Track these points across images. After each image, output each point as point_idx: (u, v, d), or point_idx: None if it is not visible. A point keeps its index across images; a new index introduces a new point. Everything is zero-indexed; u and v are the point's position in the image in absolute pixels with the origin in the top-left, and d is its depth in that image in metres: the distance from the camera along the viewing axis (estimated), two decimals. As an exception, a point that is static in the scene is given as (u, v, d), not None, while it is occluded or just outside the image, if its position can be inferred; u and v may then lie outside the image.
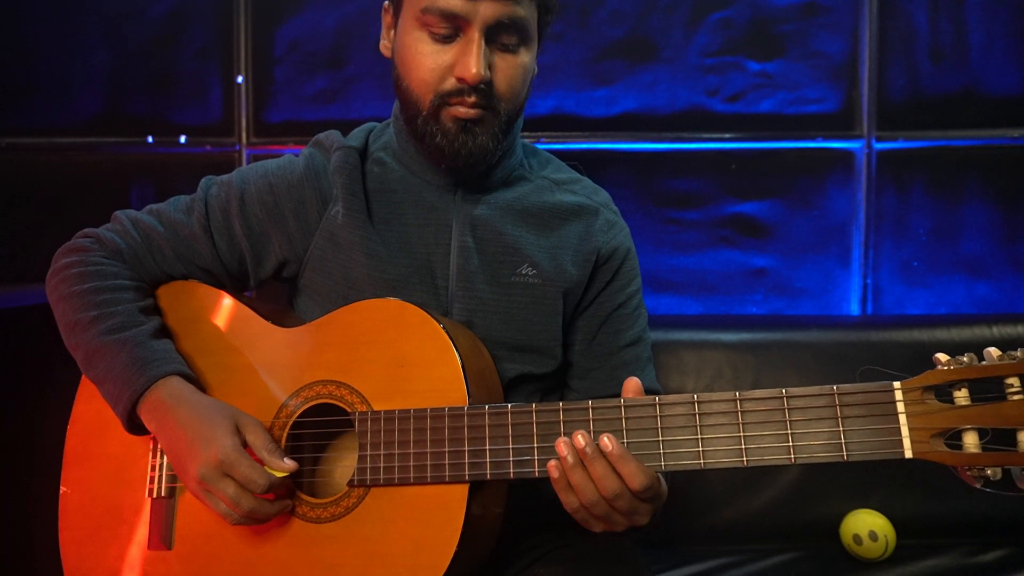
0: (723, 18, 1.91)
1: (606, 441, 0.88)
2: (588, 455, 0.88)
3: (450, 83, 1.01)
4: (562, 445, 0.89)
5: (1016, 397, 0.77)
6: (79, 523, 1.08)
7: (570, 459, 0.88)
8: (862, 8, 1.89)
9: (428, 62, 1.01)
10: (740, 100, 1.92)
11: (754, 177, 1.94)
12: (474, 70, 0.98)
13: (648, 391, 1.16)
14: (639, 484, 0.88)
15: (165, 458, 1.06)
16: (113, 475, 1.08)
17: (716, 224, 1.95)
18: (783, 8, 1.90)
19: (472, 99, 1.01)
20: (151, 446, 1.08)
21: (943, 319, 1.72)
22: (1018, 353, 0.77)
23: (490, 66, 1.01)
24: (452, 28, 1.00)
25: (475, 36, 0.99)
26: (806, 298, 1.95)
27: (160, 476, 1.06)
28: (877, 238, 1.93)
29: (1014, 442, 0.77)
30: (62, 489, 1.10)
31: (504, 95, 1.04)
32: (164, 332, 1.09)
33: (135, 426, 1.03)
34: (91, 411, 1.10)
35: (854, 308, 1.95)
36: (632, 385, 0.93)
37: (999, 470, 0.78)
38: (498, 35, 1.01)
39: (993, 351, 0.78)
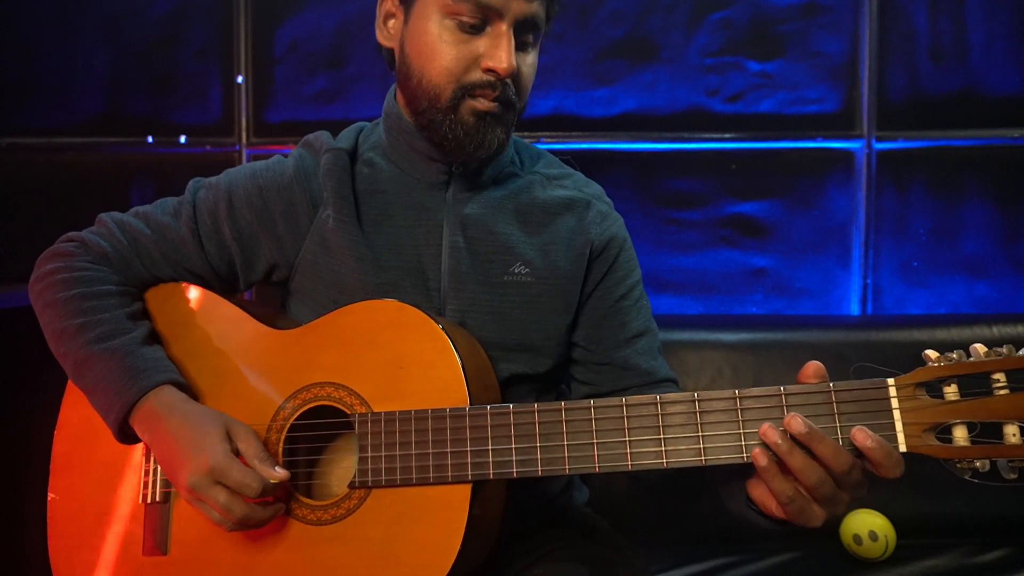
0: (723, 18, 1.91)
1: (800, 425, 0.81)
2: (806, 436, 0.81)
3: (476, 75, 1.00)
4: (770, 431, 0.81)
5: (1002, 392, 0.79)
6: (69, 531, 1.06)
7: (783, 445, 0.81)
8: (862, 8, 1.89)
9: (454, 51, 1.00)
10: (740, 100, 1.92)
11: (754, 177, 1.94)
12: (506, 63, 0.99)
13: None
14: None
15: None
16: (104, 481, 1.06)
17: (716, 224, 1.95)
18: (783, 8, 1.90)
19: (496, 92, 1.01)
20: (144, 451, 1.06)
21: (943, 319, 1.72)
22: (1003, 350, 0.79)
23: None
24: (481, 19, 0.99)
25: (505, 30, 0.99)
26: (806, 298, 1.95)
27: (154, 481, 1.04)
28: (877, 238, 1.93)
29: (1001, 435, 0.79)
30: (50, 496, 1.08)
31: (521, 92, 1.04)
32: (154, 338, 1.07)
33: (127, 436, 1.02)
34: (79, 416, 1.08)
35: (854, 308, 1.95)
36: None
37: (987, 462, 0.79)
38: (521, 33, 1.02)
39: (979, 347, 0.80)
